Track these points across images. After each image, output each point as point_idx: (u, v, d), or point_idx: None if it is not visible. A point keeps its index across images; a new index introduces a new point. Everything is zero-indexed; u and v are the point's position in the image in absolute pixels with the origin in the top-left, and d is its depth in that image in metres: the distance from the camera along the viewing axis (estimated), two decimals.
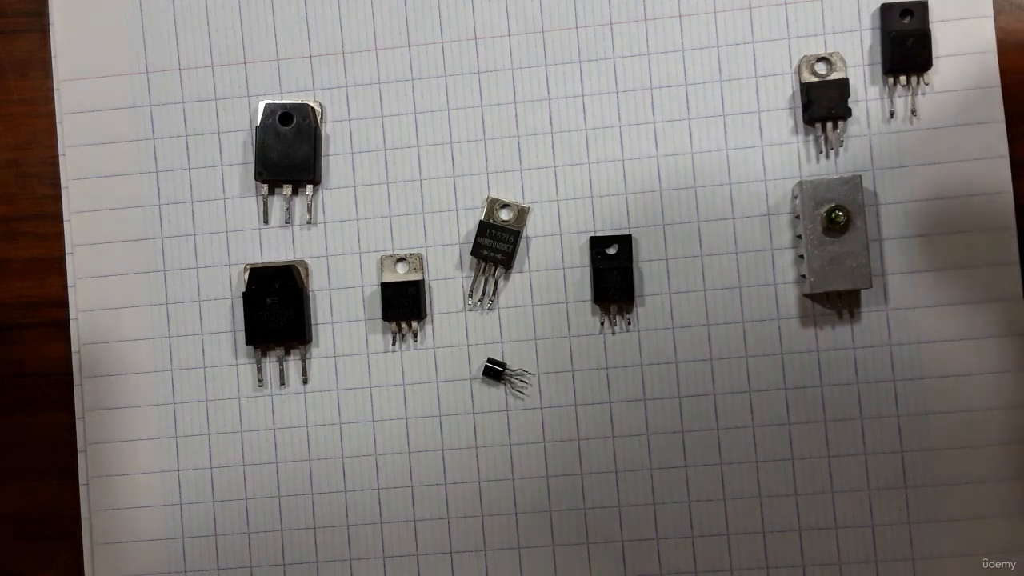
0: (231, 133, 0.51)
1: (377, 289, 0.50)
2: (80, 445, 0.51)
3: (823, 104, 0.49)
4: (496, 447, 0.50)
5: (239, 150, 0.51)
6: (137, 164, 0.51)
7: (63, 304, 0.51)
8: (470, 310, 0.50)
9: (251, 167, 0.51)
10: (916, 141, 0.49)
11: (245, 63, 0.51)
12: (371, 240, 0.51)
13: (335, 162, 0.51)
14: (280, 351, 0.50)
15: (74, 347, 0.51)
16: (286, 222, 0.51)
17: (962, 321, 0.49)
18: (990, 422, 0.48)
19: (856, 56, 0.50)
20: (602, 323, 0.50)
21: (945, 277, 0.49)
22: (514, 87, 0.51)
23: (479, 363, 0.50)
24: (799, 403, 0.49)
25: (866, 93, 0.50)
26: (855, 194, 0.47)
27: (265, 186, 0.51)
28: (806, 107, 0.49)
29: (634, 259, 0.50)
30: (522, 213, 0.50)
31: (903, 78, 0.49)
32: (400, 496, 0.50)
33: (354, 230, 0.51)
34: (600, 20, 0.50)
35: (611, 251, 0.49)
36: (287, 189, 0.51)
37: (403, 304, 0.50)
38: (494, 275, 0.50)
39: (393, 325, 0.50)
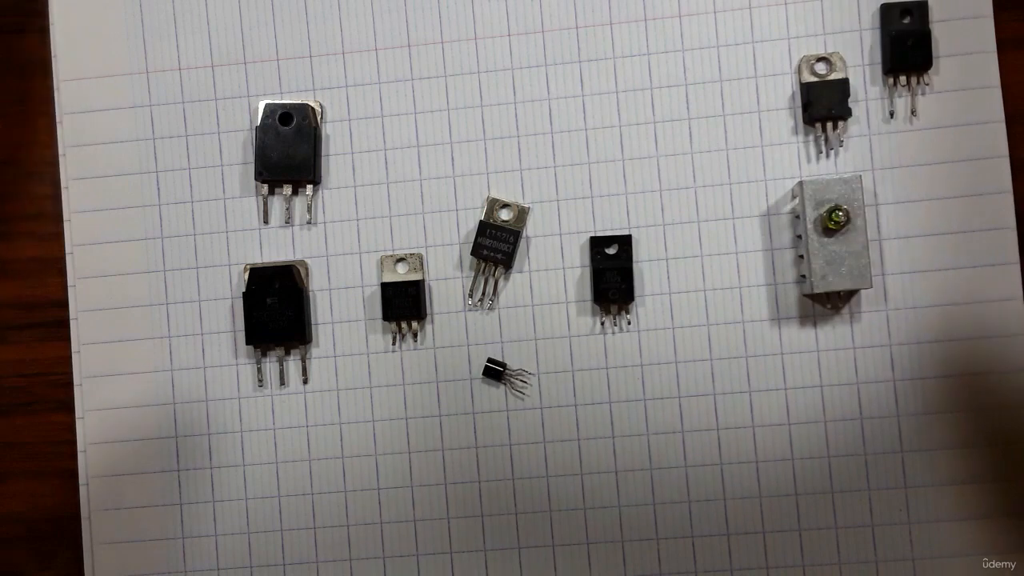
0: (231, 133, 0.51)
1: (377, 289, 0.50)
2: (80, 445, 0.51)
3: (823, 104, 0.49)
4: (496, 447, 0.50)
5: (239, 150, 0.51)
6: (137, 164, 0.51)
7: (63, 304, 0.51)
8: (470, 310, 0.50)
9: (251, 167, 0.51)
10: (916, 141, 0.49)
11: (245, 63, 0.51)
12: (371, 240, 0.51)
13: (335, 162, 0.51)
14: (280, 351, 0.50)
15: (74, 347, 0.51)
16: (286, 222, 0.51)
17: (962, 321, 0.49)
18: (990, 422, 0.48)
19: (856, 56, 0.50)
20: (602, 323, 0.50)
21: (945, 277, 0.49)
22: (514, 87, 0.51)
23: (479, 363, 0.50)
24: (799, 403, 0.49)
25: (866, 93, 0.50)
26: (855, 194, 0.47)
27: (265, 186, 0.51)
28: (806, 107, 0.49)
29: (634, 259, 0.50)
30: (522, 213, 0.50)
31: (903, 78, 0.49)
32: (400, 496, 0.50)
33: (354, 230, 0.51)
34: (600, 20, 0.50)
35: (611, 251, 0.49)
36: (287, 189, 0.51)
37: (403, 304, 0.50)
38: (494, 275, 0.50)
39: (393, 325, 0.50)
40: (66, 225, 0.52)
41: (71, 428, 0.51)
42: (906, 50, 0.49)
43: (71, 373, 0.51)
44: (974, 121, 0.49)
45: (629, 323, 0.50)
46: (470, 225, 0.50)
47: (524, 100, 0.51)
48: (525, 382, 0.50)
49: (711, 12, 0.50)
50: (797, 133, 0.50)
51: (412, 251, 0.50)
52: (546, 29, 0.51)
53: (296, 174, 0.50)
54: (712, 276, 0.50)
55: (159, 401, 0.51)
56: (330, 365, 0.51)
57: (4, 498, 0.52)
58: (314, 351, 0.51)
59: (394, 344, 0.50)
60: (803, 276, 0.49)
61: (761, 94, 0.50)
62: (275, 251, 0.51)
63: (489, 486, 0.50)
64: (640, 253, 0.50)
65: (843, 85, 0.49)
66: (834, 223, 0.47)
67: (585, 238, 0.50)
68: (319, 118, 0.51)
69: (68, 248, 0.51)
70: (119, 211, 0.51)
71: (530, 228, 0.50)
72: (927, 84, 0.49)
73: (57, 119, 0.52)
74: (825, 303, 0.49)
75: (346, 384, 0.50)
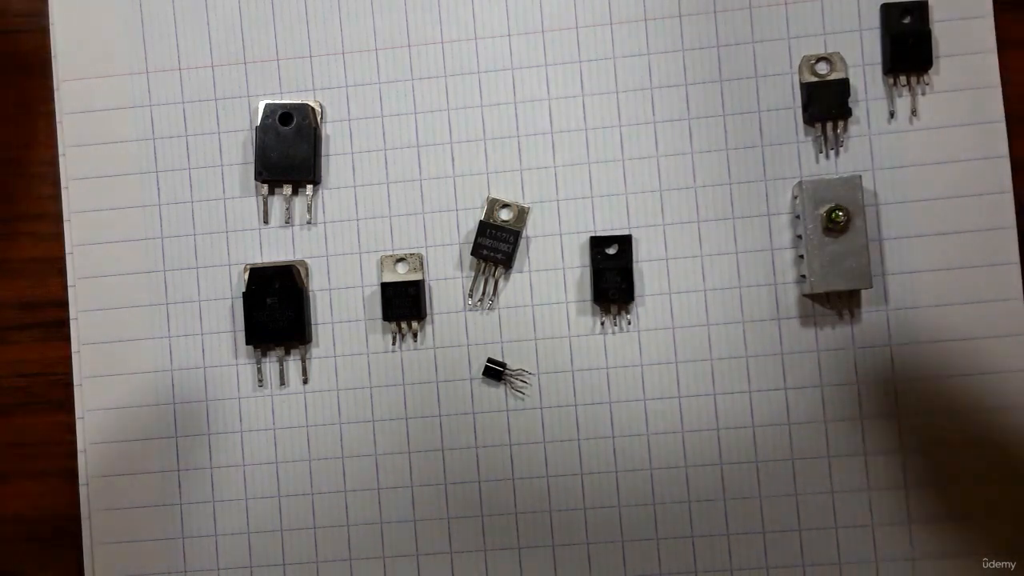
0: (231, 133, 0.51)
1: (377, 289, 0.50)
2: (80, 445, 0.51)
3: (823, 104, 0.49)
4: (496, 447, 0.50)
5: (239, 150, 0.51)
6: (137, 164, 0.51)
7: (63, 304, 0.51)
8: (470, 310, 0.50)
9: (251, 167, 0.51)
10: (916, 141, 0.49)
11: (245, 63, 0.51)
12: (371, 240, 0.51)
13: (335, 162, 0.51)
14: (280, 351, 0.50)
15: (74, 347, 0.51)
16: (286, 222, 0.51)
17: (962, 321, 0.49)
18: (990, 422, 0.48)
19: (856, 56, 0.50)
20: (602, 323, 0.50)
21: (945, 277, 0.49)
22: (514, 87, 0.51)
23: (479, 363, 0.50)
24: (799, 403, 0.49)
25: (866, 93, 0.50)
26: (855, 194, 0.47)
27: (265, 186, 0.51)
28: (806, 107, 0.49)
29: (634, 259, 0.50)
30: (522, 213, 0.50)
31: (903, 78, 0.49)
32: (400, 496, 0.50)
33: (354, 230, 0.51)
34: (600, 20, 0.50)
35: (611, 251, 0.49)
36: (287, 189, 0.51)
37: (403, 304, 0.50)
38: (494, 275, 0.50)
39: (393, 325, 0.50)
40: (66, 225, 0.52)
41: (71, 428, 0.51)
42: (906, 50, 0.49)
43: (71, 373, 0.51)
44: (974, 121, 0.49)
45: (629, 323, 0.50)
46: (470, 225, 0.50)
47: (524, 100, 0.51)
48: (525, 382, 0.50)
49: (711, 12, 0.50)
50: (797, 133, 0.50)
51: (412, 251, 0.50)
52: (546, 29, 0.51)
53: (296, 174, 0.50)
54: (712, 276, 0.50)
55: (159, 401, 0.51)
56: (330, 365, 0.51)
57: (4, 498, 0.52)
58: (314, 351, 0.51)
59: (394, 344, 0.50)
60: (803, 276, 0.49)
61: (761, 94, 0.50)
62: (275, 251, 0.51)
63: (489, 486, 0.50)
64: (640, 253, 0.50)
65: (843, 85, 0.49)
66: (834, 223, 0.47)
67: (585, 238, 0.50)
68: (319, 118, 0.51)
69: (68, 248, 0.51)
70: (119, 211, 0.51)
71: (530, 228, 0.50)
72: (927, 84, 0.49)
73: (57, 119, 0.52)
74: (825, 303, 0.49)
75: (346, 384, 0.50)
